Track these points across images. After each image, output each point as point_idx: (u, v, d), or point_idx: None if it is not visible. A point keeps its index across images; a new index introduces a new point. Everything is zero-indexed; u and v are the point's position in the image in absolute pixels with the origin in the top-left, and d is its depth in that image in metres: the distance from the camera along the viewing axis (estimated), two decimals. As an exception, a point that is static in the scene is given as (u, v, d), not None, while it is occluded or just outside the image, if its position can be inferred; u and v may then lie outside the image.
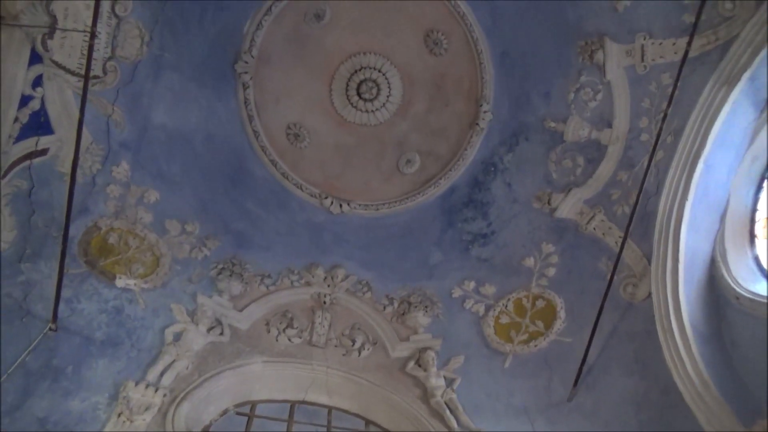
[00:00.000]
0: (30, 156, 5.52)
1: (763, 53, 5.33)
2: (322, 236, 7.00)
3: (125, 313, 5.94)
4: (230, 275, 6.60)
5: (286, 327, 6.62)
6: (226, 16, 6.32)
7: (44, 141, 5.63)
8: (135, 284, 6.07)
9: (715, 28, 5.53)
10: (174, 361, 5.83)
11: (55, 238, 5.55)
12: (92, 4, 5.18)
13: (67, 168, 5.48)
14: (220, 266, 6.63)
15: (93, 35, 5.05)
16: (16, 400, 5.00)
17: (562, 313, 6.55)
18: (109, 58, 5.86)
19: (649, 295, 5.96)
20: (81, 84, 5.20)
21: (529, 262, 6.73)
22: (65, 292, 5.49)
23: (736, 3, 5.38)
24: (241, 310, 6.60)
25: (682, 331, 5.62)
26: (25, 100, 5.49)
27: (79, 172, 5.52)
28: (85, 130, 5.44)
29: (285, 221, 6.93)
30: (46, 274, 5.50)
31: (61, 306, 5.44)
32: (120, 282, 5.99)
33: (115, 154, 6.06)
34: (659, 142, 5.73)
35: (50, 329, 5.41)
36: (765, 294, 5.34)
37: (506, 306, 6.79)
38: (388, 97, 6.84)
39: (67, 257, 5.43)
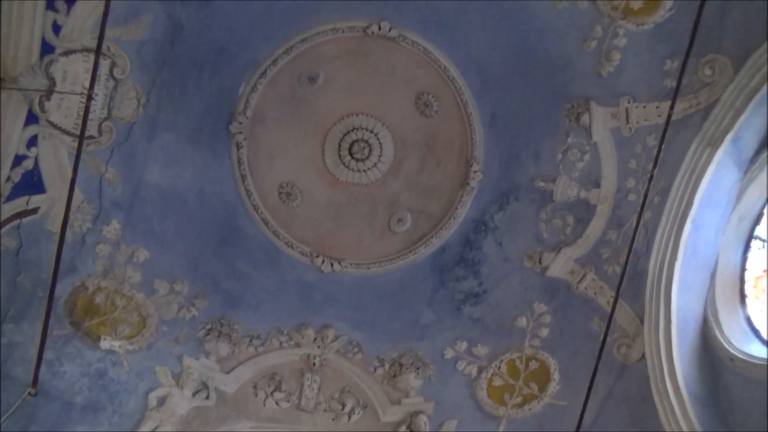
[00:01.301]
0: (20, 215, 5.52)
1: (744, 116, 5.50)
2: (312, 295, 6.93)
3: (108, 377, 5.80)
4: (218, 336, 6.49)
5: (274, 390, 6.46)
6: (222, 78, 6.49)
7: (35, 200, 5.64)
8: (120, 346, 5.95)
9: (696, 92, 5.73)
10: (157, 427, 5.64)
11: (41, 298, 5.48)
12: (91, 66, 5.32)
13: (57, 227, 5.47)
14: (208, 326, 6.52)
15: (90, 97, 5.15)
16: (-10, 469, 4.79)
17: (555, 375, 6.45)
18: (105, 119, 5.96)
19: (643, 356, 5.91)
20: (76, 144, 5.27)
21: (522, 322, 6.67)
22: (47, 355, 5.37)
23: (715, 69, 5.60)
24: (228, 373, 6.46)
25: (677, 393, 5.54)
26: (18, 160, 5.54)
27: (68, 231, 5.51)
28: (77, 189, 5.46)
29: (275, 280, 6.88)
30: (28, 335, 5.39)
31: (43, 369, 5.30)
32: (104, 343, 5.87)
33: (106, 213, 6.07)
34: (647, 202, 5.81)
35: (30, 394, 5.26)
36: (759, 355, 5.30)
37: (499, 367, 6.68)
38: (379, 157, 6.94)
39: (52, 318, 5.33)
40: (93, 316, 5.92)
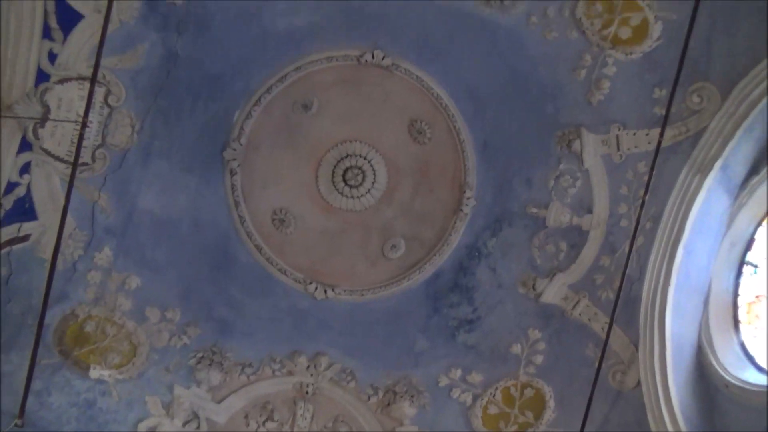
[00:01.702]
0: (11, 242, 5.48)
1: (732, 143, 5.58)
2: (305, 322, 6.88)
3: (97, 407, 5.70)
4: (210, 364, 6.41)
5: (266, 420, 6.37)
6: (216, 105, 6.54)
7: (27, 227, 5.62)
8: (109, 375, 5.87)
9: (685, 120, 5.81)
10: (146, 458, 5.54)
11: (30, 326, 5.41)
12: (86, 94, 5.35)
13: (48, 254, 5.42)
14: (200, 355, 6.45)
15: (84, 125, 5.16)
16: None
17: (551, 403, 6.39)
18: (99, 146, 5.97)
19: (639, 383, 5.87)
20: (69, 171, 5.26)
21: (516, 348, 6.63)
22: (35, 384, 5.27)
23: (703, 97, 5.70)
24: (219, 402, 6.36)
25: (673, 421, 5.51)
26: (10, 187, 5.53)
27: (60, 258, 5.46)
28: (69, 216, 5.44)
29: (268, 307, 6.83)
30: (16, 364, 5.30)
31: (30, 399, 5.20)
32: (94, 373, 5.78)
33: (98, 240, 6.04)
34: (639, 228, 5.85)
35: (16, 425, 5.14)
36: (754, 382, 5.28)
37: (494, 395, 6.62)
38: (373, 183, 6.97)
39: (41, 347, 5.25)
40: (83, 345, 5.85)
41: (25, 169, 5.61)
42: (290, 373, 6.71)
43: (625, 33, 5.81)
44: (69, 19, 5.43)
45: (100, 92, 5.77)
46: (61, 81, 5.57)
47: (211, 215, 6.70)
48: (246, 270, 6.83)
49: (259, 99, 6.62)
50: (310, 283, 6.92)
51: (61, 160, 5.71)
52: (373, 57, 6.53)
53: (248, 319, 6.74)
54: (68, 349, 5.75)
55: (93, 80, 4.79)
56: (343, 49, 6.52)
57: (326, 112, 6.83)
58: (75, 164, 5.10)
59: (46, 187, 5.69)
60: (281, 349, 6.75)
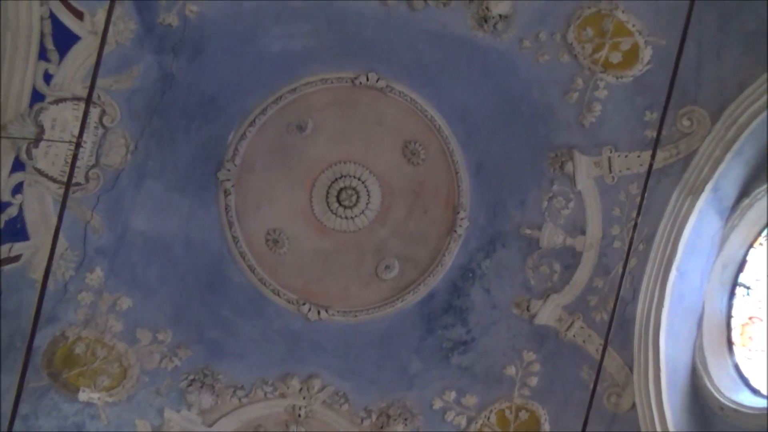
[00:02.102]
0: (1, 263, 5.42)
1: (722, 166, 5.64)
2: (298, 344, 6.82)
3: (86, 430, 5.59)
4: (201, 387, 6.33)
5: (258, 443, 6.28)
6: (211, 126, 6.56)
7: (18, 247, 5.56)
8: (99, 398, 5.78)
9: (676, 142, 5.88)
10: (135, 484, 5.43)
11: (18, 348, 5.33)
12: (80, 114, 5.35)
13: (39, 275, 5.37)
14: (191, 377, 6.37)
15: (78, 145, 5.15)
16: None
17: (546, 426, 6.34)
18: (93, 166, 5.96)
19: (634, 405, 5.84)
20: (62, 191, 5.23)
21: (511, 370, 6.60)
22: (23, 408, 5.18)
23: (693, 120, 5.77)
24: (210, 425, 6.27)
25: (669, 443, 5.47)
26: (2, 207, 5.49)
27: (51, 279, 5.41)
28: (61, 236, 5.40)
29: (261, 328, 6.77)
30: (4, 388, 5.21)
31: (17, 423, 5.09)
32: (83, 396, 5.69)
33: (90, 261, 5.99)
34: (632, 249, 5.86)
35: (2, 449, 5.06)
36: (748, 404, 5.27)
37: (488, 418, 6.55)
38: (367, 204, 6.98)
39: (29, 369, 5.16)
40: (72, 367, 5.76)
41: (18, 189, 5.58)
42: (282, 396, 6.64)
43: (616, 57, 5.90)
44: (65, 40, 5.46)
45: (94, 113, 5.78)
46: (56, 101, 5.58)
47: (204, 235, 6.68)
48: (239, 291, 6.79)
49: (254, 120, 6.66)
50: (304, 304, 6.87)
51: (54, 180, 5.68)
52: (367, 79, 6.60)
53: (240, 341, 6.68)
54: (57, 372, 5.67)
55: (88, 101, 4.79)
56: (337, 71, 6.59)
57: (321, 133, 6.87)
58: (68, 184, 5.07)
59: (39, 207, 5.66)
60: (273, 371, 6.68)
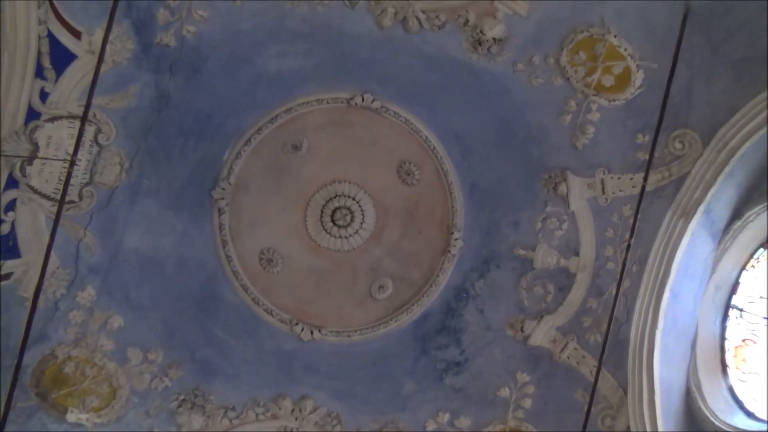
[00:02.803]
0: (-8, 280, 5.39)
1: (714, 189, 5.69)
2: (291, 364, 6.76)
3: (73, 452, 5.51)
4: (191, 407, 6.25)
5: (249, 466, 6.19)
6: (206, 145, 6.57)
7: (9, 265, 5.53)
8: (87, 419, 5.70)
9: (668, 165, 5.93)
10: (122, 507, 5.33)
11: (7, 367, 5.25)
12: (75, 132, 5.37)
13: (29, 293, 5.32)
14: (182, 397, 6.29)
15: (72, 163, 5.16)
16: None
17: (540, 448, 6.30)
18: (87, 184, 5.95)
19: (628, 428, 5.80)
20: (55, 208, 5.23)
21: (505, 392, 6.55)
22: (10, 428, 5.10)
23: (685, 143, 5.82)
24: (200, 447, 6.20)
25: (664, 467, 5.42)
26: (-6, 224, 5.47)
27: (42, 297, 5.37)
28: (53, 254, 5.37)
29: (253, 349, 6.71)
30: (-9, 408, 5.13)
31: (3, 445, 5.03)
32: (71, 416, 5.61)
33: (81, 279, 5.95)
34: (625, 271, 5.88)
35: (-12, 472, 4.95)
36: (743, 428, 5.25)
37: (483, 440, 6.51)
38: (361, 224, 6.99)
39: (17, 389, 5.10)
40: (61, 387, 5.69)
41: (11, 206, 5.56)
42: (274, 417, 6.56)
43: (608, 80, 5.97)
44: (62, 59, 5.49)
45: (90, 130, 5.78)
46: (52, 119, 5.59)
47: (198, 254, 6.66)
48: (231, 310, 6.74)
49: (250, 139, 6.68)
50: (297, 324, 6.83)
51: (48, 198, 5.67)
52: (363, 100, 6.65)
53: (232, 361, 6.62)
54: (46, 392, 5.59)
55: (84, 119, 4.81)
56: (333, 91, 6.64)
57: (316, 153, 6.89)
58: (61, 202, 5.07)
59: (31, 224, 5.63)
60: (265, 392, 6.62)
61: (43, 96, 5.52)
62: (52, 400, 5.61)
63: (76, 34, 5.49)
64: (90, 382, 5.87)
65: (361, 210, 6.97)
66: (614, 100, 6.03)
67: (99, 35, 5.32)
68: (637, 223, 5.78)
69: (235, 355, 6.65)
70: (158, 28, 5.81)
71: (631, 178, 6.13)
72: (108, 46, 5.08)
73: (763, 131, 5.31)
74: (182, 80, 6.11)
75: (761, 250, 6.05)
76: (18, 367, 5.07)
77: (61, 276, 5.87)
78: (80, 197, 5.90)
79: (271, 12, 5.95)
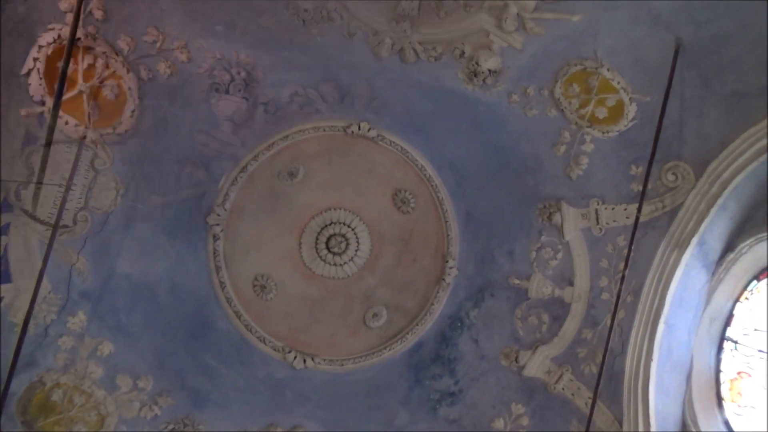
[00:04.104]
0: (-19, 306, 5.33)
1: (707, 220, 5.71)
2: (283, 394, 6.67)
3: (58, 483, 5.39)
4: (180, 437, 6.16)
5: (238, 498, 6.05)
6: (202, 172, 6.58)
7: (-1, 290, 5.47)
8: (74, 449, 5.59)
9: (662, 196, 5.96)
10: None
11: (-6, 394, 5.16)
12: (72, 158, 5.37)
13: (20, 318, 5.27)
14: (171, 426, 6.20)
15: (68, 188, 5.15)
16: None
17: (535, 483, 6.20)
18: (81, 209, 5.94)
19: (624, 462, 5.73)
20: (48, 233, 5.20)
21: (500, 423, 6.47)
22: (-6, 457, 5.00)
23: (678, 175, 5.86)
24: (188, 478, 6.07)
25: (661, 503, 5.33)
26: (-14, 249, 5.43)
27: (32, 322, 5.31)
28: (44, 279, 5.32)
29: (245, 377, 6.63)
30: (-25, 436, 5.04)
31: (-13, 475, 4.92)
32: (58, 446, 5.51)
33: (73, 304, 5.90)
34: (620, 301, 5.87)
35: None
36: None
37: (476, 474, 6.40)
38: (356, 251, 6.98)
39: (3, 416, 5.00)
40: (48, 415, 5.59)
41: (4, 230, 5.53)
42: (265, 448, 6.46)
43: (602, 113, 6.05)
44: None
45: (86, 156, 5.80)
46: (48, 144, 5.58)
47: (191, 280, 6.62)
48: (223, 337, 6.68)
49: (246, 166, 6.70)
50: (289, 352, 6.76)
51: (42, 222, 5.65)
52: (359, 128, 6.70)
53: (223, 390, 6.54)
54: (32, 420, 5.50)
55: (80, 145, 4.82)
56: (330, 120, 6.69)
57: (312, 180, 6.91)
58: (55, 227, 5.05)
59: (23, 249, 5.60)
60: (257, 421, 6.52)
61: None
62: (38, 429, 5.50)
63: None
64: (78, 410, 5.77)
65: (356, 237, 6.97)
66: (608, 132, 6.09)
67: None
68: (632, 254, 5.79)
69: (226, 383, 6.56)
70: (156, 57, 5.85)
71: (625, 209, 6.16)
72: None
73: (755, 164, 5.36)
74: (179, 108, 6.15)
75: (755, 282, 6.05)
76: (5, 394, 4.98)
77: (53, 301, 5.81)
78: (74, 222, 5.89)
79: (271, 42, 6.02)
